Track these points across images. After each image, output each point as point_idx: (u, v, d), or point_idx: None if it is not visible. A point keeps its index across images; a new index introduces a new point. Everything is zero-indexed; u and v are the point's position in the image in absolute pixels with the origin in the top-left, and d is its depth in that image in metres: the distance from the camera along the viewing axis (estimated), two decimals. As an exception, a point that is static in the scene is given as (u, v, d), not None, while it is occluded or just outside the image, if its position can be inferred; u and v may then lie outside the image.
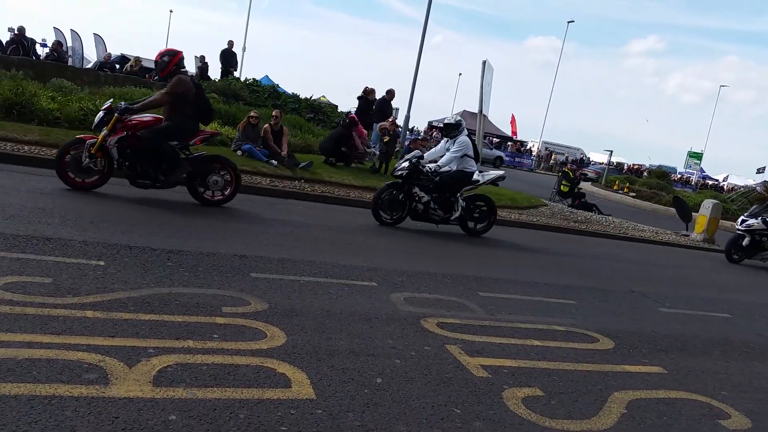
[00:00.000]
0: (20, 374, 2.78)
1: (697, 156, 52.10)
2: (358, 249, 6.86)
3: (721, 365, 4.85)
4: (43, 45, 24.83)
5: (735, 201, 25.64)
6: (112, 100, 7.94)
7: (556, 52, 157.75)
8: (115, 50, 27.87)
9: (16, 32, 19.43)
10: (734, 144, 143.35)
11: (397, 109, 22.39)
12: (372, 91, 15.69)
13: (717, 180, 55.45)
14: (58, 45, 20.61)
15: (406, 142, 16.44)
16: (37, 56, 20.14)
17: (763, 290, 9.57)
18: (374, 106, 15.61)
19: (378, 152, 14.25)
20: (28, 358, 2.93)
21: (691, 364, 4.73)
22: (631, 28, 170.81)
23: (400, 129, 17.16)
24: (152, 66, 24.92)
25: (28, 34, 19.47)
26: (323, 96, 32.20)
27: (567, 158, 50.77)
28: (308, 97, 20.56)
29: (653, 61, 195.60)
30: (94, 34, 27.07)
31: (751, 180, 38.76)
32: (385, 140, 14.35)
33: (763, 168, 34.99)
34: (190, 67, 23.29)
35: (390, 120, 15.28)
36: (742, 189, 32.44)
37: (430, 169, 9.01)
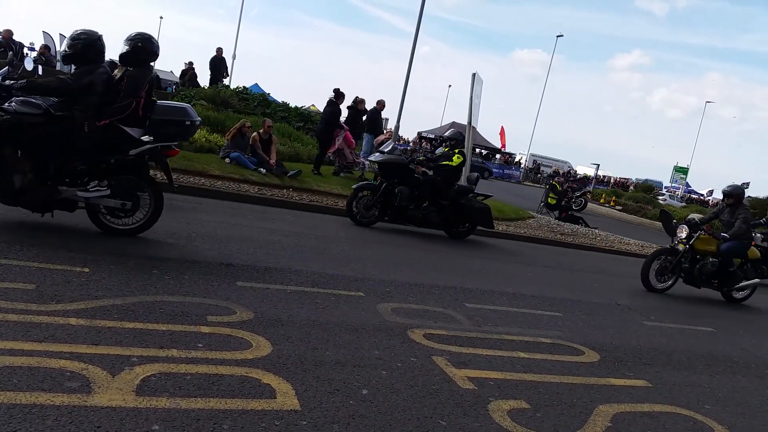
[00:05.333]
0: (0, 382, 2.73)
1: (683, 170, 52.62)
2: (346, 259, 6.85)
3: (704, 379, 4.88)
4: (31, 49, 24.65)
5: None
6: None
7: (543, 65, 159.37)
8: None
9: (3, 36, 19.29)
10: (719, 159, 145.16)
11: (387, 120, 22.46)
12: (362, 101, 15.72)
13: (702, 194, 55.99)
14: (45, 49, 20.50)
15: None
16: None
17: (747, 305, 9.65)
18: (365, 117, 15.65)
19: (366, 162, 14.29)
20: (9, 366, 2.89)
21: (676, 377, 4.76)
22: (616, 42, 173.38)
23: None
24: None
25: (15, 37, 19.35)
26: (312, 105, 32.22)
27: (558, 171, 51.08)
28: (298, 106, 20.58)
29: (639, 76, 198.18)
30: (83, 39, 26.94)
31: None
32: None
33: (747, 183, 35.41)
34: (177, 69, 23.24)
35: (387, 133, 15.45)
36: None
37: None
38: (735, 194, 9.09)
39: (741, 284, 9.08)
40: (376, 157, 9.94)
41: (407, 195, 9.49)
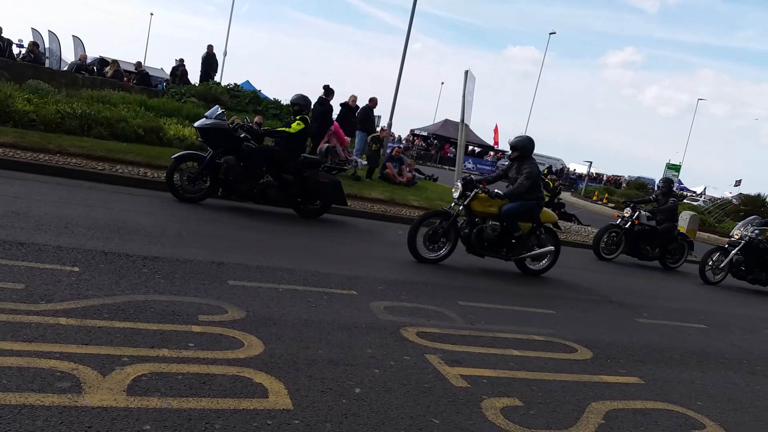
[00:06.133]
0: (-11, 383, 2.70)
1: (675, 168, 52.85)
2: (339, 257, 6.83)
3: (697, 375, 4.89)
4: (20, 45, 24.49)
5: (712, 213, 26.04)
6: None
7: (535, 62, 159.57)
8: (95, 53, 27.60)
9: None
10: (711, 156, 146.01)
11: (379, 117, 22.41)
12: (354, 99, 15.70)
13: (695, 192, 56.30)
14: (34, 46, 20.33)
15: (388, 150, 16.46)
16: (13, 57, 19.83)
17: (738, 302, 9.71)
18: (357, 114, 15.63)
19: (359, 160, 14.30)
20: (-2, 367, 2.86)
21: (668, 374, 4.77)
22: (608, 39, 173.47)
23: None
24: (131, 69, 24.78)
25: (4, 34, 19.19)
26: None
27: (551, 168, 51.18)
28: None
29: (631, 73, 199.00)
30: (73, 36, 26.80)
31: (728, 192, 39.46)
32: (373, 147, 14.46)
33: (740, 181, 35.71)
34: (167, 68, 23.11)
35: (383, 130, 15.50)
36: (718, 201, 32.94)
37: None
38: (520, 146, 7.81)
39: (533, 252, 7.94)
40: (198, 123, 8.75)
41: (234, 166, 8.38)
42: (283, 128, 8.97)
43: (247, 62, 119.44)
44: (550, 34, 51.51)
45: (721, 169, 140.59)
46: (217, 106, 9.31)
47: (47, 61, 21.91)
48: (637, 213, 11.42)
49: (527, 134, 8.02)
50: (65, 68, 22.53)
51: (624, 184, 49.11)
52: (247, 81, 30.94)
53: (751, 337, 6.87)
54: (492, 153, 49.28)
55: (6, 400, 2.59)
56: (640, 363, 4.93)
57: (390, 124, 18.97)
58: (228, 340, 3.71)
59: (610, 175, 59.66)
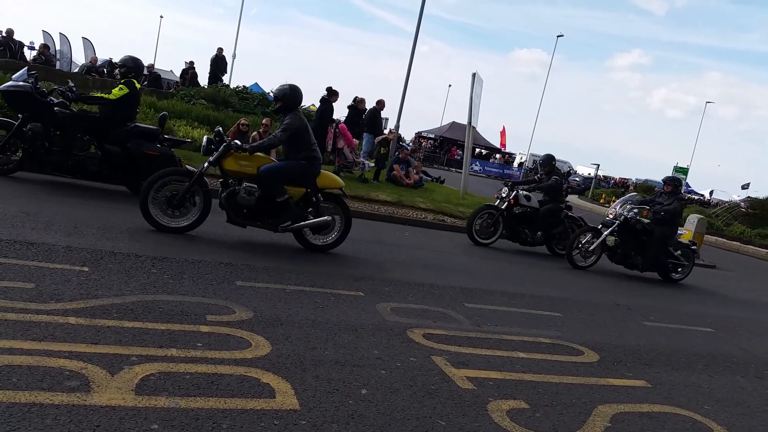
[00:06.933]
0: (-1, 381, 2.73)
1: (683, 171, 52.59)
2: (345, 258, 6.84)
3: (704, 379, 4.88)
4: (31, 48, 24.67)
5: (720, 216, 25.89)
6: None
7: (542, 64, 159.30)
8: (105, 55, 27.79)
9: (3, 35, 19.30)
10: (719, 159, 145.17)
11: (387, 119, 22.47)
12: (362, 101, 15.75)
13: (702, 195, 55.97)
14: (45, 48, 20.48)
15: (395, 152, 16.50)
16: (25, 59, 19.99)
17: (746, 305, 9.65)
18: (364, 116, 15.68)
19: (366, 162, 14.35)
20: (8, 365, 2.88)
21: (675, 378, 4.76)
22: (615, 42, 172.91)
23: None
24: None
25: (16, 37, 19.36)
26: (312, 105, 32.28)
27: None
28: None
29: (639, 76, 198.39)
30: (83, 38, 27.00)
31: (736, 195, 39.19)
32: (382, 151, 14.51)
33: (748, 184, 35.48)
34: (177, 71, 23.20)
35: (392, 133, 15.55)
36: (726, 204, 32.72)
37: None
38: (281, 96, 6.55)
39: (308, 222, 6.64)
40: (2, 86, 7.77)
41: (39, 134, 7.34)
42: (101, 94, 8.01)
43: (256, 65, 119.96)
44: (558, 36, 51.68)
45: (730, 172, 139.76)
46: (25, 68, 8.33)
47: (58, 63, 22.07)
48: (515, 193, 10.16)
49: (291, 83, 6.67)
50: (76, 70, 22.70)
51: (631, 187, 48.88)
52: (256, 83, 31.07)
53: (758, 341, 6.83)
54: (499, 155, 49.18)
55: (15, 398, 2.62)
56: (647, 366, 4.92)
57: (397, 127, 19.02)
58: (236, 340, 3.73)
59: (618, 178, 59.39)
